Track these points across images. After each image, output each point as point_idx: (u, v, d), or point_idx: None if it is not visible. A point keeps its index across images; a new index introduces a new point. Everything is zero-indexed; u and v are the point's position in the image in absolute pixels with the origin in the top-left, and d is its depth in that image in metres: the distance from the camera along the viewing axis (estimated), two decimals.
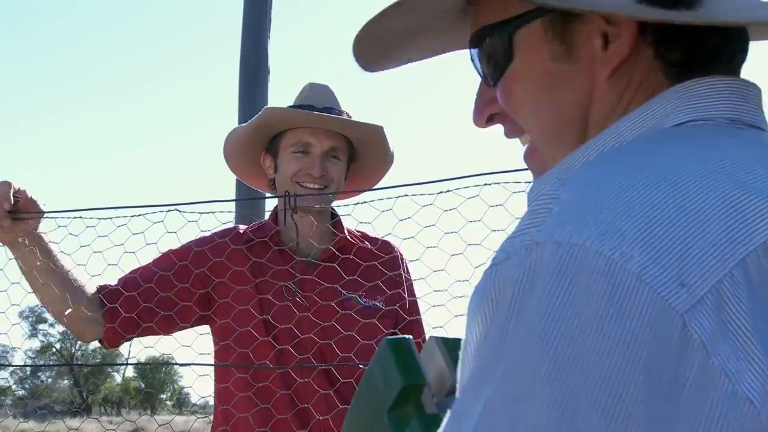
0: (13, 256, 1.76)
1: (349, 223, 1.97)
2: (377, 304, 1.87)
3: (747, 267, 0.50)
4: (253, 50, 8.30)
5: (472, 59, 0.76)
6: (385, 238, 1.98)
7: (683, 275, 0.49)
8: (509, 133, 0.77)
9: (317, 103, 1.88)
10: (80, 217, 1.87)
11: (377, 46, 0.77)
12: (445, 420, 0.56)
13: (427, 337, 0.74)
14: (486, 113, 0.76)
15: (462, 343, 0.57)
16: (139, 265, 1.88)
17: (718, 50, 0.65)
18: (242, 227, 1.95)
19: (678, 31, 0.65)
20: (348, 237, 1.93)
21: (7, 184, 1.72)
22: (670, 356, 0.47)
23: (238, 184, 7.67)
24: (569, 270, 0.50)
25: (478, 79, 0.77)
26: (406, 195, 1.68)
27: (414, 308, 1.94)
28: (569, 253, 0.50)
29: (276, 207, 1.95)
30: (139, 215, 1.83)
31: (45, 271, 1.74)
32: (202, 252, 1.84)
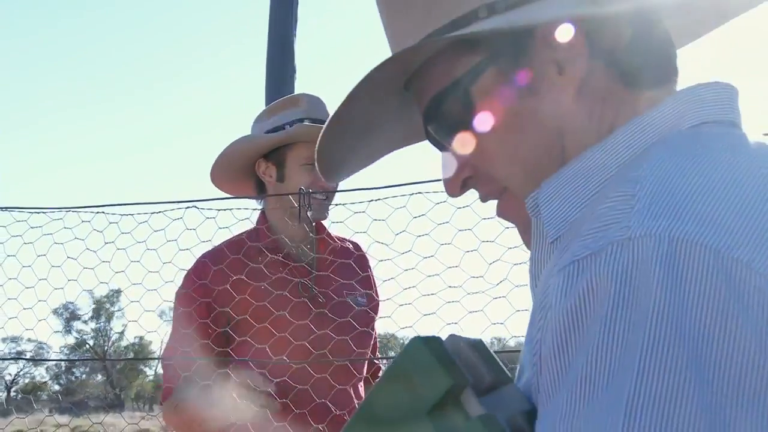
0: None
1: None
2: (362, 301, 1.96)
3: None
4: (279, 49, 8.34)
5: (430, 135, 0.76)
6: (353, 239, 2.04)
7: None
8: (486, 196, 0.76)
9: (321, 115, 1.93)
10: (102, 212, 1.91)
11: (338, 158, 0.79)
12: (546, 421, 0.54)
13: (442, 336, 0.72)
14: (459, 180, 0.75)
15: (531, 343, 0.56)
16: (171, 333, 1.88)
17: (661, 54, 0.68)
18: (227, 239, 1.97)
19: (619, 38, 0.67)
20: (331, 240, 1.99)
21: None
22: None
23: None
24: (678, 264, 0.49)
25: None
26: (379, 198, 1.74)
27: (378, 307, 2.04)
28: (673, 246, 0.50)
29: (263, 212, 1.98)
30: (159, 212, 1.86)
31: None
32: (215, 276, 1.86)
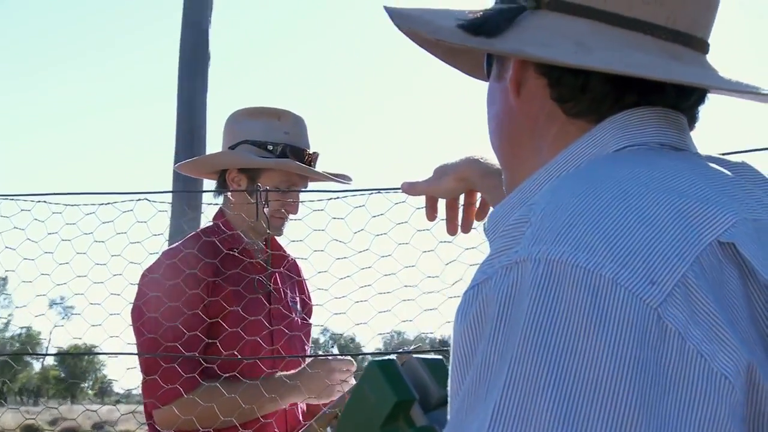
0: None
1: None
2: (299, 310, 2.05)
3: (701, 263, 0.57)
4: (192, 35, 8.17)
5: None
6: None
7: (652, 274, 0.55)
8: None
9: (303, 145, 2.00)
10: (44, 201, 1.84)
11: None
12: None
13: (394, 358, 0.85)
14: None
15: (451, 360, 0.62)
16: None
17: (602, 85, 0.73)
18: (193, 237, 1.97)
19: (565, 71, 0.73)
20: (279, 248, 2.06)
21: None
22: (652, 347, 0.53)
23: (175, 174, 7.56)
24: (551, 283, 0.55)
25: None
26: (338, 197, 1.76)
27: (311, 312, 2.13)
28: (548, 268, 0.56)
29: (222, 208, 2.01)
30: (108, 203, 1.81)
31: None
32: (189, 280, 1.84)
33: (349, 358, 1.92)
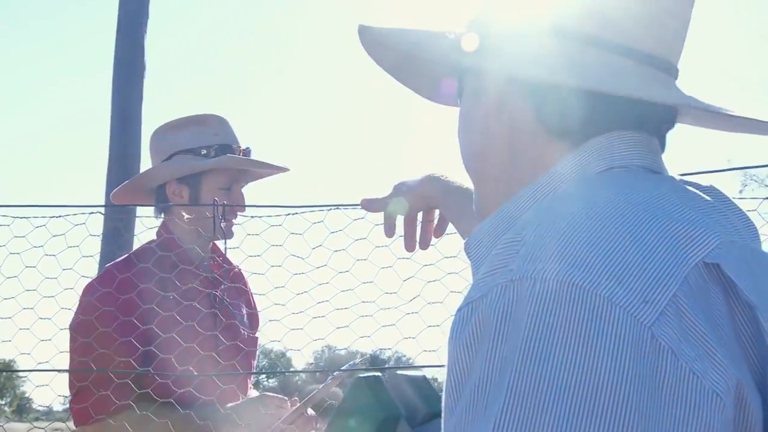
0: None
1: None
2: (245, 319, 2.04)
3: (689, 283, 0.59)
4: (128, 45, 8.03)
5: None
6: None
7: (645, 294, 0.57)
8: None
9: (233, 141, 2.01)
10: None
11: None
12: None
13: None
14: None
15: (446, 376, 0.63)
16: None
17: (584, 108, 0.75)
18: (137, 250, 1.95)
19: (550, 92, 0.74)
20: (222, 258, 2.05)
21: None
22: (647, 364, 0.55)
23: (107, 193, 7.38)
24: (548, 301, 0.57)
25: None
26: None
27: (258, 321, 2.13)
28: (545, 286, 0.57)
29: (165, 223, 1.98)
30: (59, 216, 1.77)
31: None
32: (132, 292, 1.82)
33: (281, 396, 1.87)
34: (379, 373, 0.84)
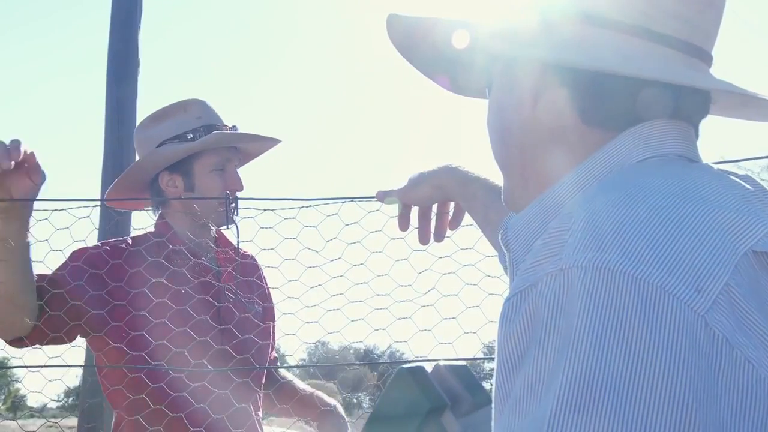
0: None
1: None
2: (258, 308, 2.01)
3: (740, 271, 0.59)
4: (122, 41, 7.98)
5: None
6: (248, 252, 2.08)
7: (697, 282, 0.57)
8: None
9: (218, 121, 1.98)
10: None
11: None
12: None
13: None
14: None
15: (496, 366, 0.63)
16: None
17: (621, 97, 0.74)
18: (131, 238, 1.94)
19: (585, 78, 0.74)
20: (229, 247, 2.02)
21: (18, 142, 1.55)
22: (702, 353, 0.54)
23: (103, 190, 7.35)
24: (601, 290, 0.56)
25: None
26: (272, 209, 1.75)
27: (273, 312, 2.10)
28: (596, 275, 0.57)
29: (163, 217, 1.97)
30: (62, 209, 1.74)
31: (18, 247, 1.60)
32: (121, 260, 1.82)
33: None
34: (422, 364, 0.82)
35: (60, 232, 1.75)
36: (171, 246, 1.86)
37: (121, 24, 8.06)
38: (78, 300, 1.72)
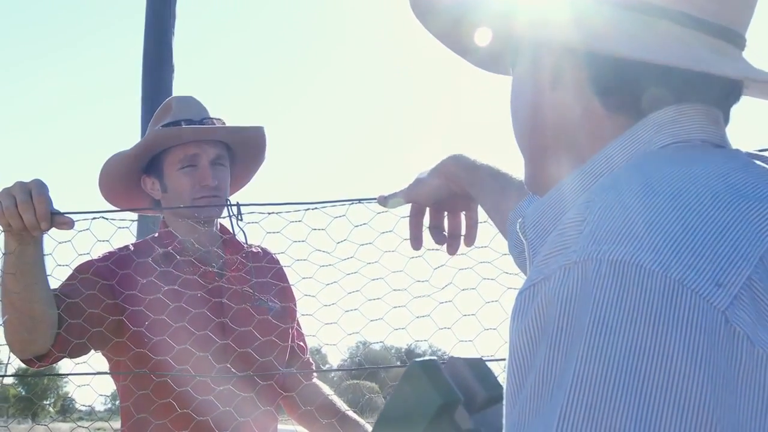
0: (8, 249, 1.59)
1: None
2: (275, 306, 1.92)
3: (765, 264, 0.55)
4: (156, 47, 8.08)
5: None
6: (262, 245, 2.01)
7: (718, 276, 0.54)
8: None
9: (193, 115, 1.90)
10: None
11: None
12: None
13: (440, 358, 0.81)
14: None
15: (508, 360, 0.61)
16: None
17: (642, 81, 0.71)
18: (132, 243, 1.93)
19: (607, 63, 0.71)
20: (237, 246, 1.96)
21: (46, 186, 1.59)
22: (722, 350, 0.52)
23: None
24: (616, 284, 0.54)
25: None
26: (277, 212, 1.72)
27: (295, 311, 2.01)
28: (611, 268, 0.54)
29: (163, 221, 1.94)
30: (100, 218, 1.74)
31: (39, 268, 1.62)
32: (117, 265, 1.80)
33: None
34: (435, 357, 0.80)
35: (100, 243, 1.76)
36: (176, 255, 1.83)
37: (155, 30, 8.15)
38: (95, 308, 1.71)
